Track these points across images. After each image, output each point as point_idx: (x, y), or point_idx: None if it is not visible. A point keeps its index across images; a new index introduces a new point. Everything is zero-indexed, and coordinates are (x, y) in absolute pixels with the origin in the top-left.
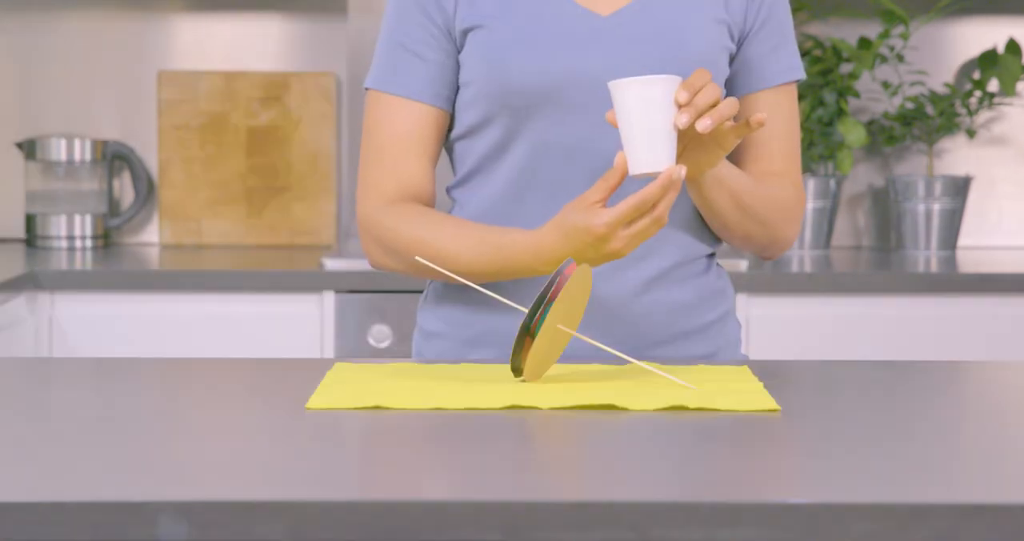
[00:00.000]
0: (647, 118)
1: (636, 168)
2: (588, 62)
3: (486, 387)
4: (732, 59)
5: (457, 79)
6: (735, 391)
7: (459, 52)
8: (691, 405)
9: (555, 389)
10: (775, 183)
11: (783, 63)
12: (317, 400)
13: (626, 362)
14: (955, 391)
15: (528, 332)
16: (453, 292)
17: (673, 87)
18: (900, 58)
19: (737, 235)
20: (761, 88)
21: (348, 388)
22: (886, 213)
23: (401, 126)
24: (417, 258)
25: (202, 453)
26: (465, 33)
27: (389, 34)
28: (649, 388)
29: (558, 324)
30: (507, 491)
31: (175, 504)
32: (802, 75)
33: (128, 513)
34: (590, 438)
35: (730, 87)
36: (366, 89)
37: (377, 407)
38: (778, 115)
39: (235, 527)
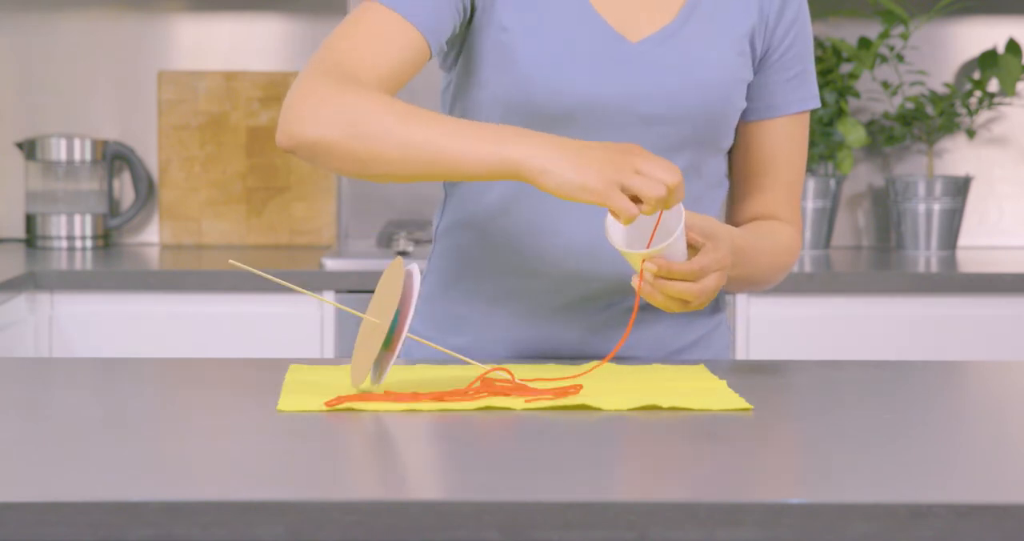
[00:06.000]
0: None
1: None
2: (608, 88)
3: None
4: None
5: (451, 33)
6: (703, 390)
7: (465, 16)
8: (664, 405)
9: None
10: (779, 236)
11: (801, 92)
12: (286, 402)
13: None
14: (955, 391)
15: (389, 346)
16: (443, 299)
17: (681, 229)
18: (900, 58)
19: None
20: (775, 116)
21: (314, 390)
22: (886, 213)
23: (386, 40)
24: (230, 261)
25: (202, 453)
26: (484, 12)
27: None
28: (618, 386)
29: (404, 327)
30: (507, 491)
31: (175, 504)
32: (818, 104)
33: (128, 513)
34: (589, 438)
35: (744, 112)
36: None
37: (349, 409)
38: (789, 144)
39: (235, 527)
